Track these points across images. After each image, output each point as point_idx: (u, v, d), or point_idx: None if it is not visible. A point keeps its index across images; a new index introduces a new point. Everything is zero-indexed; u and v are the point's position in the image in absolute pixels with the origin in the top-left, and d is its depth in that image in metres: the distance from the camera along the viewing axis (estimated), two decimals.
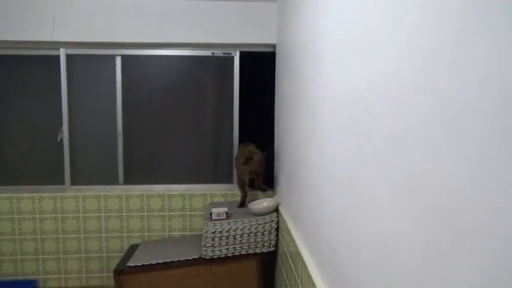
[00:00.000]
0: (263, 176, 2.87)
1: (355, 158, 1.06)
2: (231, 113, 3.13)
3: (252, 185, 2.88)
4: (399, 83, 0.79)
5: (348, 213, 1.13)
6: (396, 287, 0.80)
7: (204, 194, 3.09)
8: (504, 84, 0.50)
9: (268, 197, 2.92)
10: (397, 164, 0.79)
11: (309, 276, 1.53)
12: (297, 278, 1.84)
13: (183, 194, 3.09)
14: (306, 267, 1.62)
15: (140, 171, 3.18)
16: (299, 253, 1.78)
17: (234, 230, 2.46)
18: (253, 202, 2.73)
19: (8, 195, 2.99)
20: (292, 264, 1.99)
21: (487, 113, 0.53)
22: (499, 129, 0.51)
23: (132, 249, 2.86)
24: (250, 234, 2.48)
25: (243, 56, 3.07)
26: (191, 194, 3.09)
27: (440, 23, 0.64)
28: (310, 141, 1.69)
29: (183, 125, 3.18)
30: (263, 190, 2.92)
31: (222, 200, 3.10)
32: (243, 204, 2.78)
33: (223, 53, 3.07)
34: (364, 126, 1.00)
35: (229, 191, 3.11)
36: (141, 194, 3.06)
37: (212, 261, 2.47)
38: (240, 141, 3.10)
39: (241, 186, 2.80)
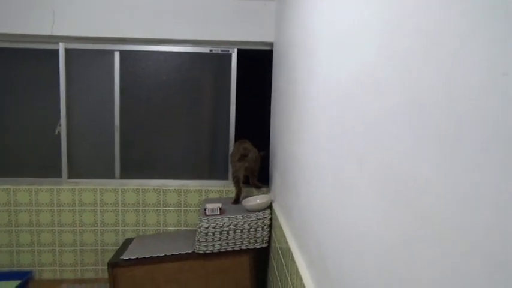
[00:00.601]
0: (258, 174, 2.89)
1: (340, 154, 1.08)
2: (228, 110, 3.15)
3: (247, 182, 2.91)
4: (376, 80, 0.82)
5: (331, 210, 1.15)
6: (374, 280, 0.82)
7: (199, 189, 3.11)
8: (469, 81, 0.52)
9: (262, 194, 2.94)
10: (375, 160, 0.82)
11: (297, 271, 1.56)
12: (286, 274, 1.87)
13: (178, 190, 3.11)
14: (295, 262, 1.64)
15: (136, 166, 3.20)
16: (289, 249, 1.80)
17: (228, 226, 2.48)
18: (247, 199, 2.75)
19: (5, 187, 3.01)
20: (282, 260, 2.01)
21: (454, 109, 0.55)
22: (468, 125, 0.53)
23: (127, 242, 2.88)
24: (244, 230, 2.50)
25: (241, 53, 3.09)
26: (186, 190, 3.11)
27: (414, 22, 0.66)
28: (301, 138, 1.71)
29: (180, 120, 3.20)
30: (257, 187, 2.95)
31: (217, 196, 3.12)
32: (237, 200, 2.80)
33: (221, 50, 3.09)
34: (347, 122, 1.02)
35: (225, 187, 3.13)
36: (136, 189, 3.09)
37: (205, 256, 2.50)
38: (236, 138, 3.12)
39: (236, 182, 2.83)
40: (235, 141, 3.09)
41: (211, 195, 3.12)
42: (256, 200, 2.72)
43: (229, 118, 3.16)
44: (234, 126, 3.16)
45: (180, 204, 3.12)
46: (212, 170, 3.26)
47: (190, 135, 3.22)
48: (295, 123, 1.91)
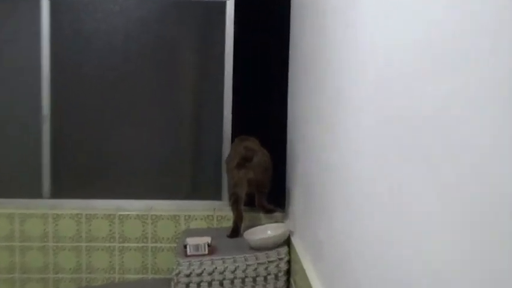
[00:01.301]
0: (269, 189, 2.89)
1: (402, 160, 1.08)
2: (221, 89, 3.15)
3: (252, 202, 2.91)
4: (455, 50, 0.82)
5: (388, 249, 1.15)
6: None
7: (175, 215, 3.11)
8: None
9: (276, 221, 2.94)
10: (453, 170, 0.82)
11: None
12: None
13: (142, 215, 3.11)
14: None
15: (77, 178, 3.21)
16: None
17: (221, 273, 2.48)
18: (251, 230, 2.74)
19: None
20: None
21: None
22: None
23: None
24: (247, 280, 2.50)
25: (241, 2, 3.09)
26: (155, 216, 3.11)
27: None
28: (337, 135, 1.71)
29: (145, 107, 3.20)
30: (268, 211, 2.94)
31: (203, 225, 3.12)
32: (236, 232, 2.80)
33: None
34: (412, 113, 1.02)
35: (216, 211, 3.13)
36: (77, 214, 3.09)
37: None
38: (234, 134, 3.12)
39: (234, 203, 2.82)
40: (233, 138, 3.09)
41: (194, 224, 3.12)
42: (266, 231, 2.72)
43: (223, 102, 3.15)
44: (230, 115, 3.15)
45: (146, 238, 3.12)
46: (196, 185, 3.27)
47: (162, 129, 3.22)
48: (327, 111, 1.91)
